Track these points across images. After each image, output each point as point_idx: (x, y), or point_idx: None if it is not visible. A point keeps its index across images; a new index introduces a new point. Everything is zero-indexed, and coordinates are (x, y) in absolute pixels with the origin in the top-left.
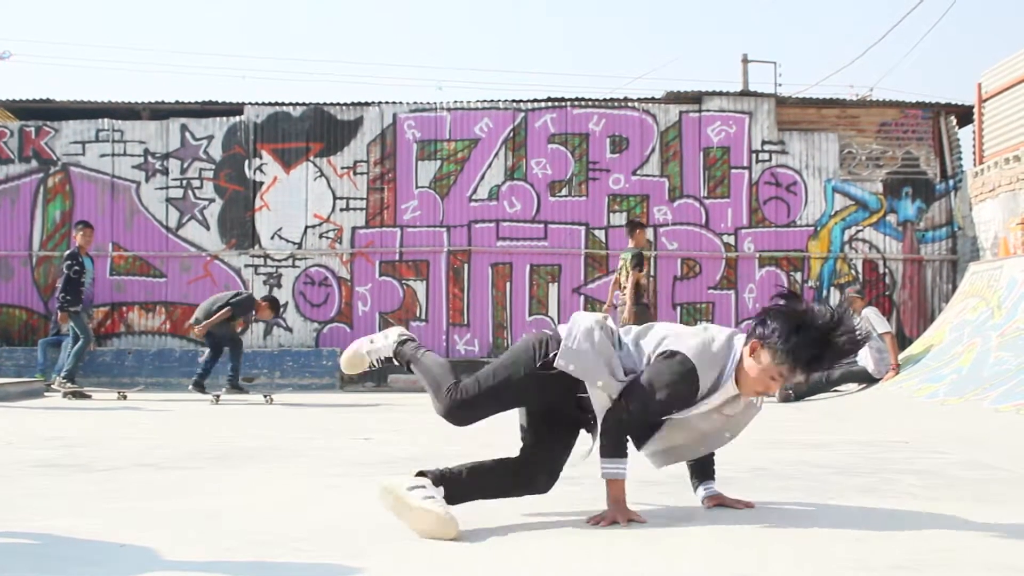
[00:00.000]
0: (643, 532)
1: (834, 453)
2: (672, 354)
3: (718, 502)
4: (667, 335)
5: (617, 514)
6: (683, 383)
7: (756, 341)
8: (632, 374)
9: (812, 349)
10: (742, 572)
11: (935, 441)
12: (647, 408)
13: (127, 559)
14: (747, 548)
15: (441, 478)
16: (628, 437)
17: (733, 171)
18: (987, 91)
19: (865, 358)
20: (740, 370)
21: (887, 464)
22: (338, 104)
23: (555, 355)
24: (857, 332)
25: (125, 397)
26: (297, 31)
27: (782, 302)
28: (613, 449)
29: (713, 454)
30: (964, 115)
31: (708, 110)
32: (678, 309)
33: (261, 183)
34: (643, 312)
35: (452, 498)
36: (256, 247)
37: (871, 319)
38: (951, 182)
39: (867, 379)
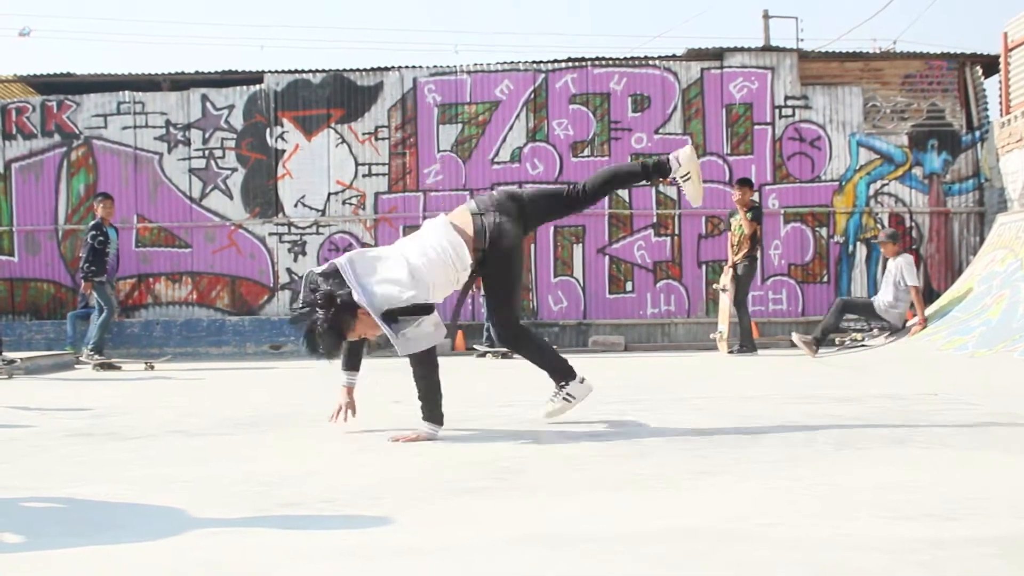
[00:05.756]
0: (664, 480)
1: (862, 406)
2: None
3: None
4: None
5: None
6: None
7: None
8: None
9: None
10: (770, 521)
11: (965, 393)
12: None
13: (157, 521)
14: (774, 495)
15: None
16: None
17: (756, 127)
18: (1013, 40)
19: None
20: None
21: (916, 416)
22: (358, 70)
23: None
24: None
25: (152, 367)
26: None
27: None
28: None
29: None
30: (990, 65)
31: (730, 66)
32: (703, 267)
33: (283, 151)
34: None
35: None
36: (280, 215)
37: (903, 268)
38: (977, 133)
39: (892, 328)
